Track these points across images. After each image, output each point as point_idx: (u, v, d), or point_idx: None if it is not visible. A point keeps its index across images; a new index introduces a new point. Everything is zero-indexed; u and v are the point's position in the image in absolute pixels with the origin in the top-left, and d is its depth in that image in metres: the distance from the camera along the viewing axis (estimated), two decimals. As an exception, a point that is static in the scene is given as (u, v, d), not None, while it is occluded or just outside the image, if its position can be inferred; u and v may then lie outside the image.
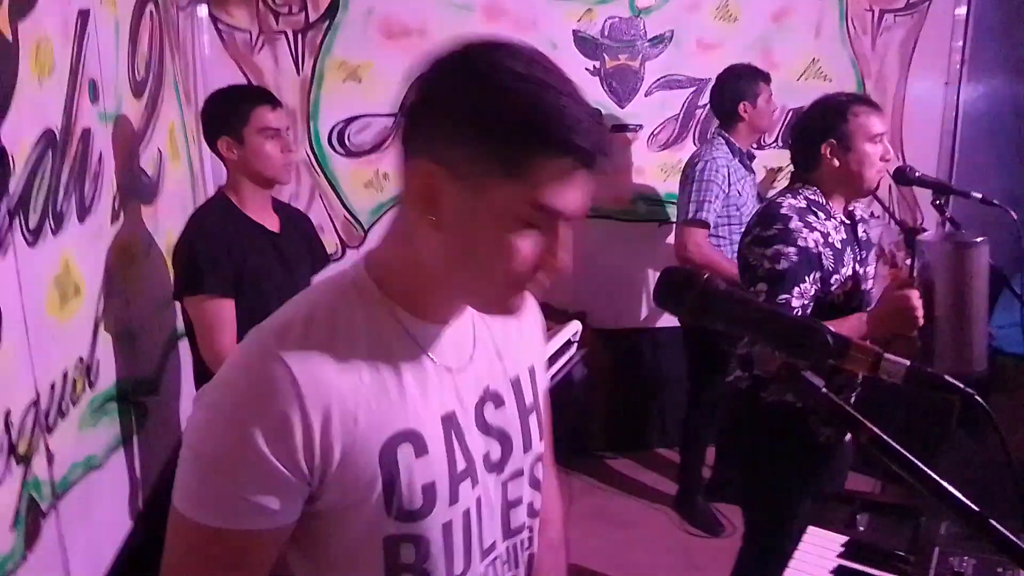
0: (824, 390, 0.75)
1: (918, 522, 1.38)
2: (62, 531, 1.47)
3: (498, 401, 0.90)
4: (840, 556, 1.36)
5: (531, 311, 1.00)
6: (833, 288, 1.79)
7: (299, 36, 3.07)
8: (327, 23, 3.07)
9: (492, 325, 0.92)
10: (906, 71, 3.58)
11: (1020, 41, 3.57)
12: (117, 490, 1.85)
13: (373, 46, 3.11)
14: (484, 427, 0.88)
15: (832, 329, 0.73)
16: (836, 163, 1.81)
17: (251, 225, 2.01)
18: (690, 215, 2.86)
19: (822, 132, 1.82)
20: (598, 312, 3.35)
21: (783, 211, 1.78)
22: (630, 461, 3.62)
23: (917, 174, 1.89)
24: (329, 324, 0.78)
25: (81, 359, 1.63)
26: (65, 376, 1.53)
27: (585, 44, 3.26)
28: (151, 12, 2.28)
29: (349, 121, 3.17)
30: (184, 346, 2.40)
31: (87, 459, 1.64)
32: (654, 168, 3.41)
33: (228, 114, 1.98)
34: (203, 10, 2.94)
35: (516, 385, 0.93)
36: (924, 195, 3.57)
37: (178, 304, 2.05)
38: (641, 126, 3.39)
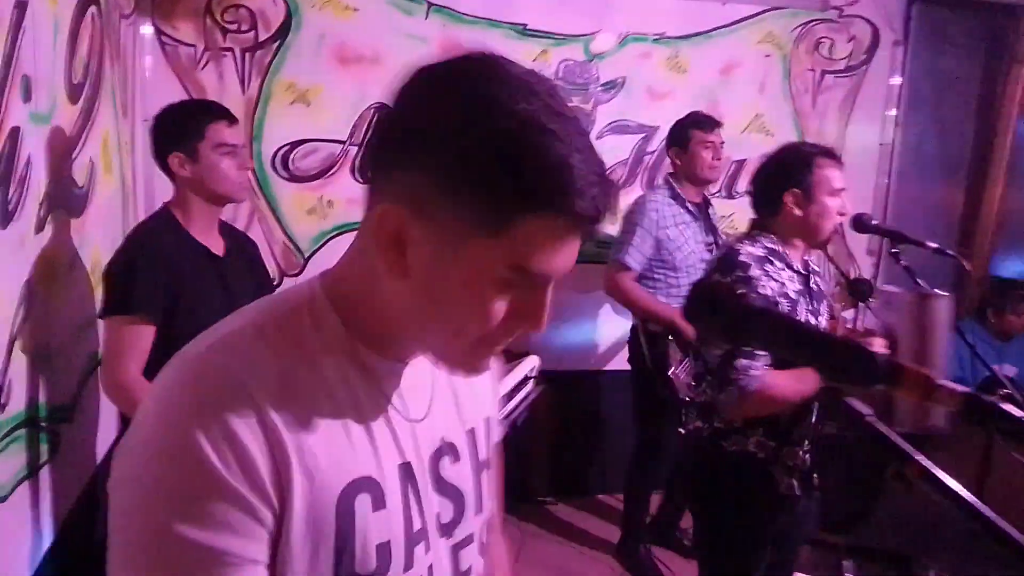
0: (870, 418, 0.70)
1: (908, 568, 1.36)
2: (-44, 572, 1.30)
3: (454, 454, 0.80)
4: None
5: None
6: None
7: (247, 55, 2.97)
8: (277, 43, 2.99)
9: None
10: (844, 130, 3.71)
11: (949, 111, 3.76)
12: (22, 526, 1.67)
13: (324, 70, 3.04)
14: (439, 483, 0.77)
15: (882, 352, 0.69)
16: (797, 212, 1.82)
17: (194, 246, 1.89)
18: (612, 256, 2.93)
19: (786, 181, 1.83)
20: (542, 353, 3.29)
21: (742, 258, 1.77)
22: (571, 508, 3.54)
23: (874, 222, 1.92)
24: (283, 343, 0.68)
25: (-9, 379, 1.47)
26: (-28, 397, 1.38)
27: (539, 83, 3.26)
28: (92, 15, 2.16)
29: (295, 145, 3.07)
30: (105, 371, 2.24)
31: (-10, 491, 1.47)
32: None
33: (182, 128, 1.88)
34: (147, 21, 2.81)
35: (472, 437, 0.83)
36: (859, 246, 3.70)
37: (101, 325, 1.90)
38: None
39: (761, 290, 1.73)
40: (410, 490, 0.73)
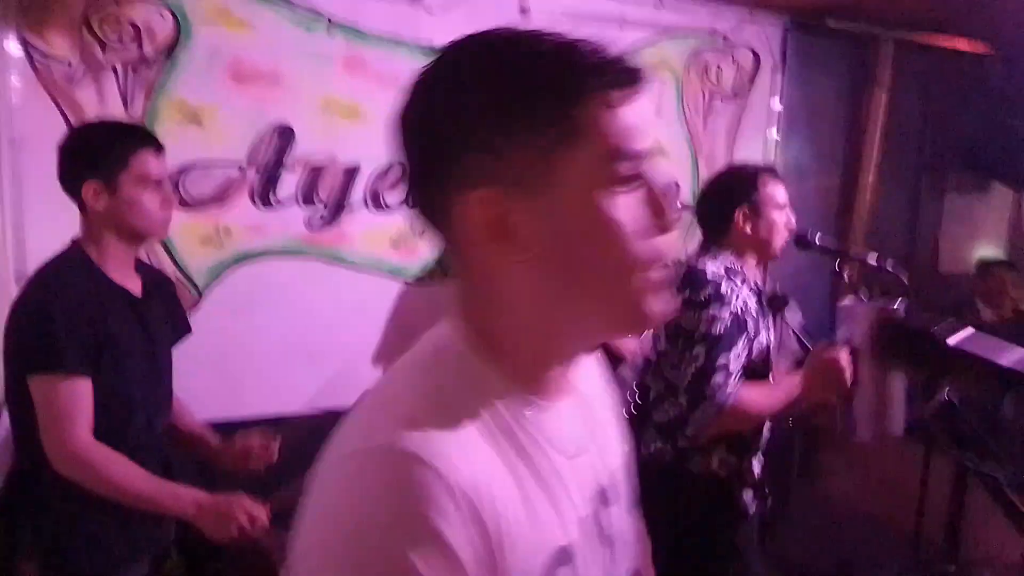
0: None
1: None
2: None
3: (606, 500, 0.72)
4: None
5: (606, 389, 0.84)
6: (753, 355, 1.80)
7: (130, 71, 2.69)
8: (165, 59, 2.73)
9: (590, 401, 0.75)
10: (731, 152, 3.88)
11: (822, 133, 4.03)
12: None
13: (218, 88, 2.80)
14: (602, 536, 0.70)
15: None
16: (748, 229, 1.86)
17: (112, 288, 1.66)
18: None
19: (735, 199, 1.86)
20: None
21: (709, 276, 1.78)
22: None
23: (816, 241, 1.99)
24: (456, 413, 0.59)
25: None
26: None
27: (448, 104, 3.18)
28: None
29: (186, 169, 2.81)
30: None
31: None
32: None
33: (102, 154, 1.64)
34: (11, 32, 2.49)
35: (618, 478, 0.76)
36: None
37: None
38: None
39: (732, 306, 1.74)
40: (587, 548, 0.65)
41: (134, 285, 1.73)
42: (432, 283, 3.25)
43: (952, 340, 0.67)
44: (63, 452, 1.54)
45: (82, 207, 1.65)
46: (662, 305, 0.64)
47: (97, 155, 1.64)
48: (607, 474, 0.74)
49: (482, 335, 0.65)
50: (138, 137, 1.71)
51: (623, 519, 0.75)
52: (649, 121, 0.65)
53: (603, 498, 0.72)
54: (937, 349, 0.67)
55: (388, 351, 3.17)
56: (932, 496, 2.57)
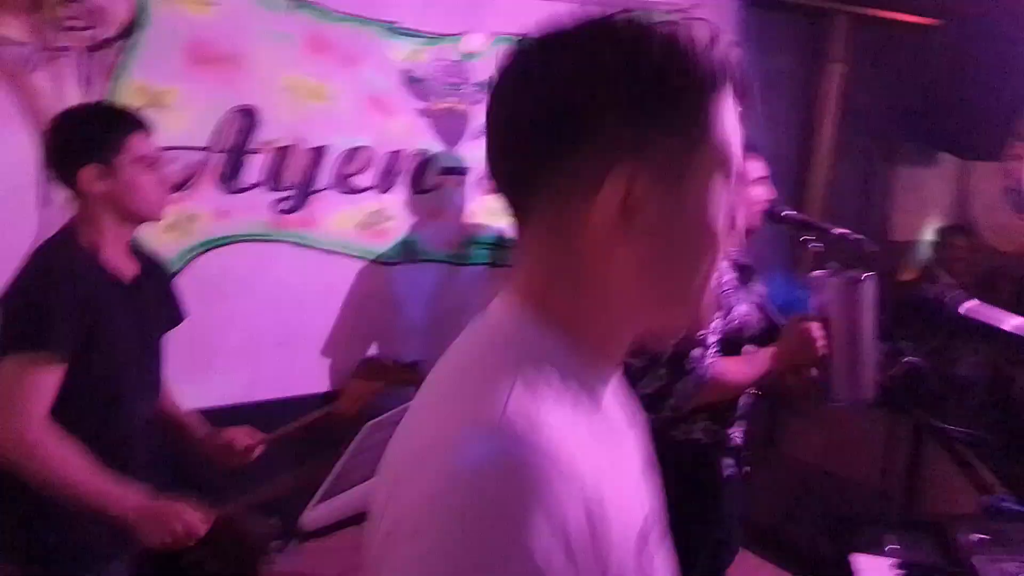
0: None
1: (948, 536, 1.46)
2: None
3: (647, 474, 0.75)
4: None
5: None
6: (730, 328, 1.86)
7: (88, 54, 2.62)
8: (123, 42, 2.66)
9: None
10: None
11: (775, 108, 4.11)
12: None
13: (179, 71, 2.75)
14: (654, 508, 0.72)
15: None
16: None
17: (103, 274, 1.65)
18: None
19: None
20: (433, 360, 3.20)
21: None
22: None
23: (784, 213, 2.06)
24: (546, 389, 0.60)
25: None
26: None
27: (414, 84, 3.17)
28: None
29: (149, 155, 2.76)
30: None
31: None
32: (483, 211, 3.38)
33: (97, 138, 1.64)
34: (-39, 14, 2.40)
35: (648, 451, 0.78)
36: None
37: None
38: (468, 169, 3.35)
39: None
40: (652, 521, 0.68)
41: (129, 269, 1.72)
42: (400, 264, 3.25)
43: (962, 309, 0.72)
44: (13, 435, 1.49)
45: (75, 192, 1.65)
46: (705, 310, 0.68)
47: (93, 139, 1.64)
48: (643, 446, 0.77)
49: (553, 313, 0.64)
50: (130, 120, 1.72)
51: (658, 492, 0.77)
52: None
53: (645, 470, 0.74)
54: (949, 318, 0.72)
55: (343, 334, 3.16)
56: (893, 456, 2.70)
